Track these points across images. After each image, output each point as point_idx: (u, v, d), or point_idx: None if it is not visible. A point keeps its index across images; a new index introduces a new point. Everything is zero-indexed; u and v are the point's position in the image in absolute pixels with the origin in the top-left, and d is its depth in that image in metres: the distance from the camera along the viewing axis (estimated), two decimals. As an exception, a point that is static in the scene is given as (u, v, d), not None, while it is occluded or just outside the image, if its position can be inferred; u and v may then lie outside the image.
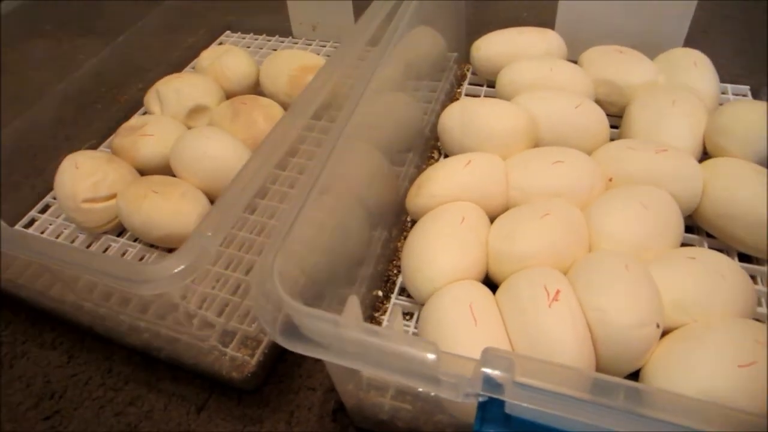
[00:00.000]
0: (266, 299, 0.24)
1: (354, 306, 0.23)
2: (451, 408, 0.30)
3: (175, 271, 0.26)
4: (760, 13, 0.51)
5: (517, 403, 0.21)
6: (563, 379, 0.20)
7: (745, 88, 0.53)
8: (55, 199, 0.52)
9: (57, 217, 0.51)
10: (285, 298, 0.23)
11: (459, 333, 0.31)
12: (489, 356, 0.21)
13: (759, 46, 0.52)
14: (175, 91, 0.53)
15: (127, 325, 0.41)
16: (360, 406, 0.35)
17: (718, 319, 0.31)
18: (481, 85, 0.58)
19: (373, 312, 0.40)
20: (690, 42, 0.52)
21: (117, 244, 0.47)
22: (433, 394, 0.21)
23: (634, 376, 0.32)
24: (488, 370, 0.20)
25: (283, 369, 0.41)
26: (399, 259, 0.42)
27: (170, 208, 0.43)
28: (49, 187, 0.52)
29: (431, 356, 0.21)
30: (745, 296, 0.32)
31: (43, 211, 0.52)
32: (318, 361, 0.41)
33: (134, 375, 0.42)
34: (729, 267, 0.33)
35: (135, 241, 0.47)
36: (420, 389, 0.22)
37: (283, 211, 0.27)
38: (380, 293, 0.41)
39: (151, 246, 0.47)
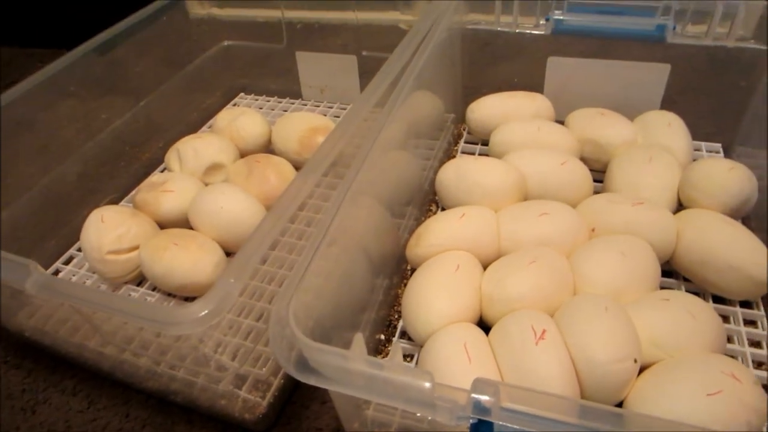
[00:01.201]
0: (282, 338, 0.27)
1: (360, 343, 0.26)
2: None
3: (202, 314, 0.29)
4: (729, 78, 0.55)
5: (504, 425, 0.24)
6: (543, 403, 0.23)
7: (718, 146, 0.58)
8: (78, 251, 0.55)
9: (80, 269, 0.54)
10: (299, 335, 0.26)
11: (454, 370, 0.34)
12: (478, 384, 0.24)
13: (729, 107, 0.56)
14: (194, 150, 0.57)
15: (145, 370, 0.43)
16: (365, 443, 0.38)
17: (689, 354, 0.34)
18: (476, 144, 0.62)
19: (375, 354, 0.43)
20: (666, 104, 0.57)
21: (137, 293, 0.50)
22: (429, 418, 0.24)
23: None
24: (477, 396, 0.23)
25: (291, 411, 0.44)
26: (400, 304, 0.45)
27: (189, 259, 0.46)
28: (73, 240, 0.56)
29: (428, 384, 0.24)
30: (715, 334, 0.35)
31: (67, 262, 0.55)
32: (324, 402, 0.44)
33: (151, 419, 0.44)
34: (699, 307, 0.36)
35: (154, 290, 0.50)
36: (418, 414, 0.25)
37: (295, 262, 0.31)
38: (382, 337, 0.44)
39: (169, 295, 0.50)
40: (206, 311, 0.29)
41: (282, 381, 0.43)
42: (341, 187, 0.35)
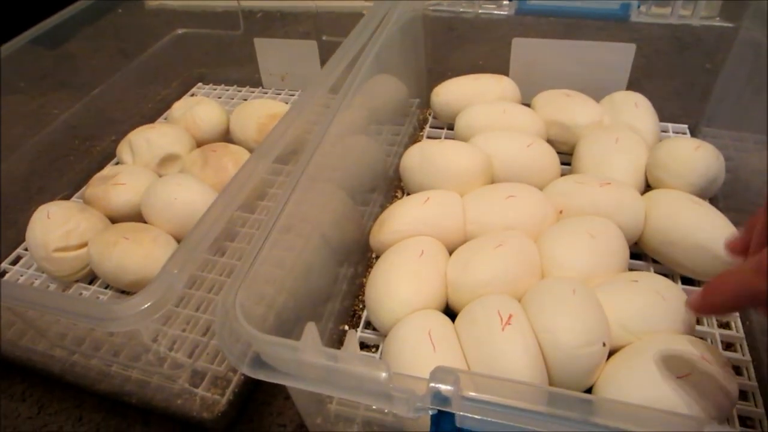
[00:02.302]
0: (229, 330, 0.25)
1: (312, 332, 0.25)
2: (416, 434, 0.32)
3: (143, 307, 0.27)
4: (695, 59, 0.55)
5: (466, 415, 0.22)
6: (508, 391, 0.22)
7: (684, 127, 0.57)
8: (26, 250, 0.52)
9: (29, 268, 0.51)
10: (246, 327, 0.24)
11: (418, 359, 0.32)
12: (437, 373, 0.22)
13: (695, 88, 0.56)
14: (147, 141, 0.55)
15: (97, 371, 0.41)
16: (328, 439, 0.36)
17: (659, 336, 0.33)
18: (442, 128, 0.61)
19: (339, 346, 0.42)
20: (633, 87, 0.56)
21: (88, 291, 0.48)
22: (386, 410, 0.23)
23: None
24: (436, 385, 0.22)
25: (253, 408, 0.42)
26: (364, 294, 0.43)
27: (141, 254, 0.44)
28: (21, 239, 0.53)
29: (383, 374, 0.22)
30: (684, 315, 0.35)
31: (15, 262, 0.52)
32: (288, 398, 0.42)
33: (105, 422, 0.42)
34: (668, 288, 0.36)
35: (106, 288, 0.48)
36: (374, 407, 0.23)
37: (245, 251, 0.29)
38: (347, 327, 0.43)
39: (123, 292, 0.47)
40: (147, 305, 0.27)
41: (242, 377, 0.41)
42: (293, 172, 0.33)
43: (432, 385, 0.22)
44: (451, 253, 0.41)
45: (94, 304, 0.30)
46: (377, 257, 0.45)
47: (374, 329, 0.41)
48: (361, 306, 0.44)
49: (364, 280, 0.46)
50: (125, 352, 0.38)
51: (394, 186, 0.55)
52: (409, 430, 0.32)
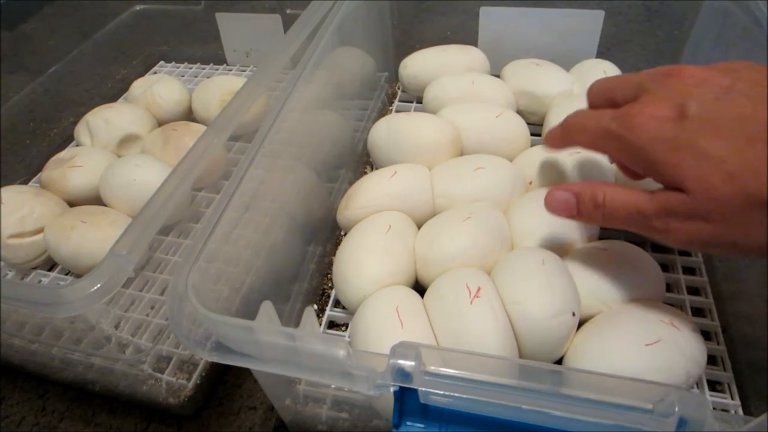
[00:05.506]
0: (181, 312, 0.24)
1: (268, 311, 0.24)
2: (385, 412, 0.31)
3: (91, 291, 0.25)
4: (664, 27, 0.54)
5: (429, 391, 0.21)
6: (473, 365, 0.21)
7: (654, 95, 0.57)
8: (-19, 237, 0.50)
9: (-16, 257, 0.49)
10: (199, 308, 0.23)
11: (385, 336, 0.31)
12: (398, 348, 0.22)
13: (664, 57, 0.55)
14: (105, 122, 0.53)
15: (59, 360, 0.40)
16: (298, 420, 0.35)
17: (629, 304, 0.33)
18: (411, 102, 0.59)
19: (308, 326, 0.41)
20: (603, 54, 0.55)
21: (47, 278, 0.46)
22: (346, 389, 0.22)
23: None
24: (396, 361, 0.21)
25: (223, 391, 0.41)
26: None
27: (100, 237, 0.42)
28: (-24, 226, 0.51)
29: (342, 352, 0.21)
30: (654, 282, 0.34)
31: (-29, 250, 0.50)
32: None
33: (69, 412, 0.41)
34: (638, 256, 0.35)
35: (67, 274, 0.46)
36: (333, 385, 0.22)
37: (197, 230, 0.27)
38: (315, 307, 0.42)
39: (84, 278, 0.46)
40: (95, 288, 0.25)
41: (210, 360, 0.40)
42: (250, 148, 0.32)
43: (392, 361, 0.21)
44: (419, 227, 0.40)
45: (40, 289, 0.28)
46: (346, 235, 0.44)
47: (343, 308, 0.40)
48: (329, 284, 0.43)
49: (333, 258, 0.45)
50: (86, 339, 0.37)
51: (363, 162, 0.54)
52: (378, 409, 0.31)
